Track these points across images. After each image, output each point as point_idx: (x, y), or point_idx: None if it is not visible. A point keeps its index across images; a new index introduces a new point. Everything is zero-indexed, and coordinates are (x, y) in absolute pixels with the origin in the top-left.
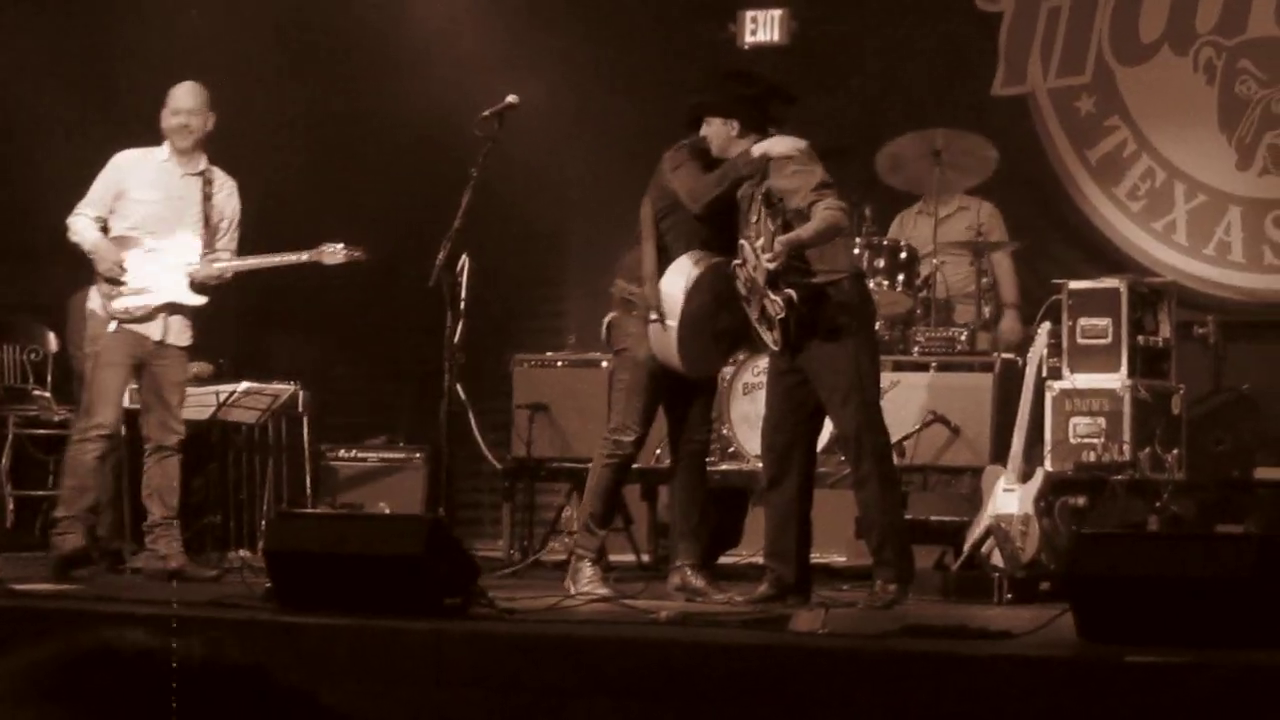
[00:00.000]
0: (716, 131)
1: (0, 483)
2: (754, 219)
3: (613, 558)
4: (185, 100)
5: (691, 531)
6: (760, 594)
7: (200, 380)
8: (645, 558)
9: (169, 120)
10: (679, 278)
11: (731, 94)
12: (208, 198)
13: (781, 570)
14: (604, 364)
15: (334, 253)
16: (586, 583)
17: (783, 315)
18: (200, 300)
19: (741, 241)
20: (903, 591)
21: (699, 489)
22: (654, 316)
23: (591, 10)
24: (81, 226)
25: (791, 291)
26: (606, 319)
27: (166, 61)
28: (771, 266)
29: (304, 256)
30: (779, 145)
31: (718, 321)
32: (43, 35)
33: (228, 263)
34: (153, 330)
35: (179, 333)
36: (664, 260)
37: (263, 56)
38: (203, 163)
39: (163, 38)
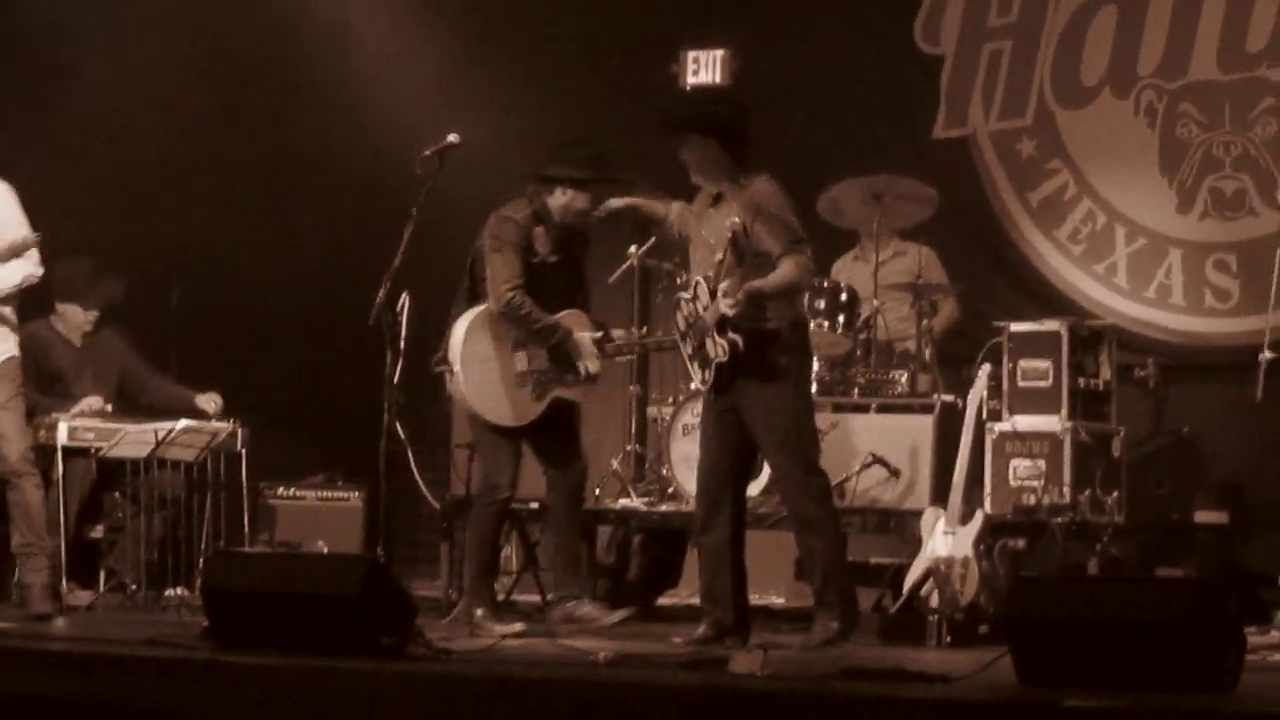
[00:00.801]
0: (694, 151)
1: None
2: (718, 256)
3: (519, 597)
4: None
5: (568, 564)
6: (699, 635)
7: (90, 413)
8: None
9: None
10: (460, 326)
11: (714, 113)
12: None
13: (718, 613)
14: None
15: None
16: (493, 626)
17: (723, 360)
18: None
19: (698, 278)
20: (844, 634)
21: (575, 525)
22: (444, 368)
23: (532, 50)
24: None
25: (738, 339)
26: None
27: (101, 88)
28: (730, 313)
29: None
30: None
31: (512, 366)
32: None
33: None
34: None
35: None
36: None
37: (200, 92)
38: None
39: (98, 69)
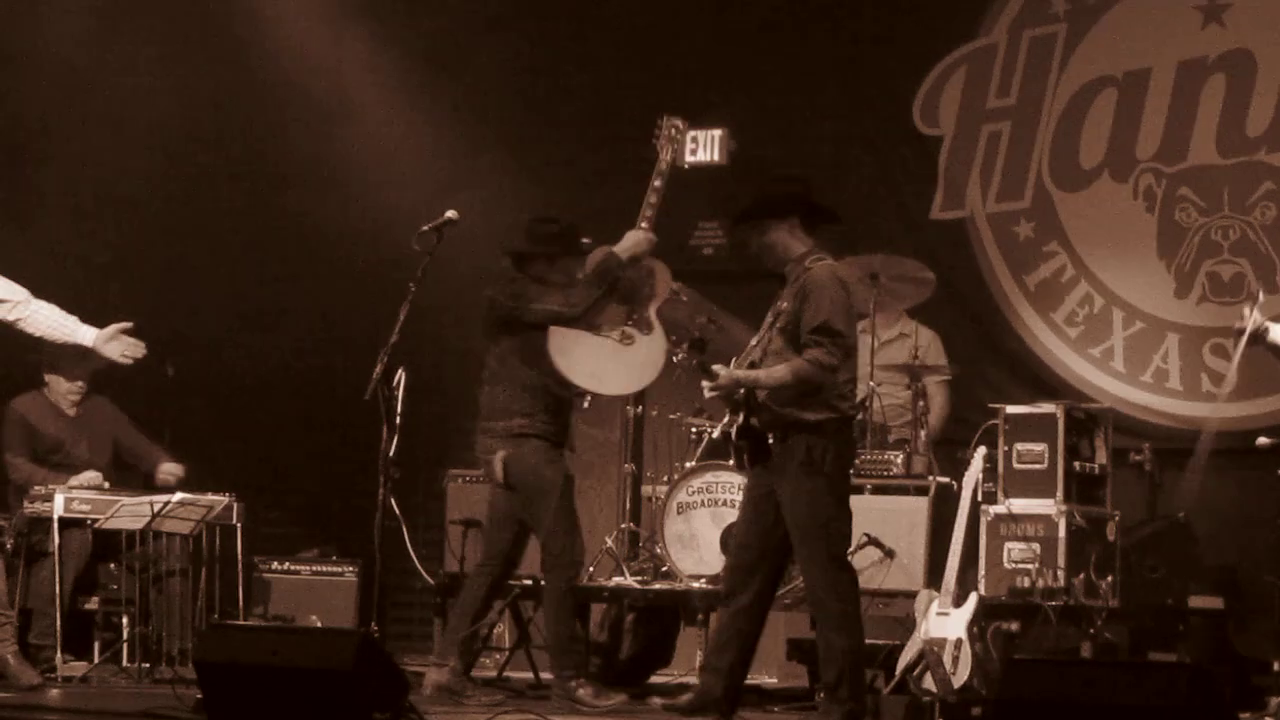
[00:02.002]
0: (773, 238)
1: None
2: (754, 339)
3: (511, 674)
4: None
5: (564, 645)
6: (682, 701)
7: (178, 481)
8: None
9: None
10: (560, 361)
11: (778, 194)
12: None
13: (709, 682)
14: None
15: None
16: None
17: (731, 435)
18: None
19: (736, 359)
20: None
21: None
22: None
23: (530, 128)
24: None
25: (751, 421)
26: (499, 457)
27: (92, 164)
28: (707, 395)
29: None
30: None
31: (608, 346)
32: None
33: None
34: None
35: None
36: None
37: (194, 166)
38: None
39: (87, 146)
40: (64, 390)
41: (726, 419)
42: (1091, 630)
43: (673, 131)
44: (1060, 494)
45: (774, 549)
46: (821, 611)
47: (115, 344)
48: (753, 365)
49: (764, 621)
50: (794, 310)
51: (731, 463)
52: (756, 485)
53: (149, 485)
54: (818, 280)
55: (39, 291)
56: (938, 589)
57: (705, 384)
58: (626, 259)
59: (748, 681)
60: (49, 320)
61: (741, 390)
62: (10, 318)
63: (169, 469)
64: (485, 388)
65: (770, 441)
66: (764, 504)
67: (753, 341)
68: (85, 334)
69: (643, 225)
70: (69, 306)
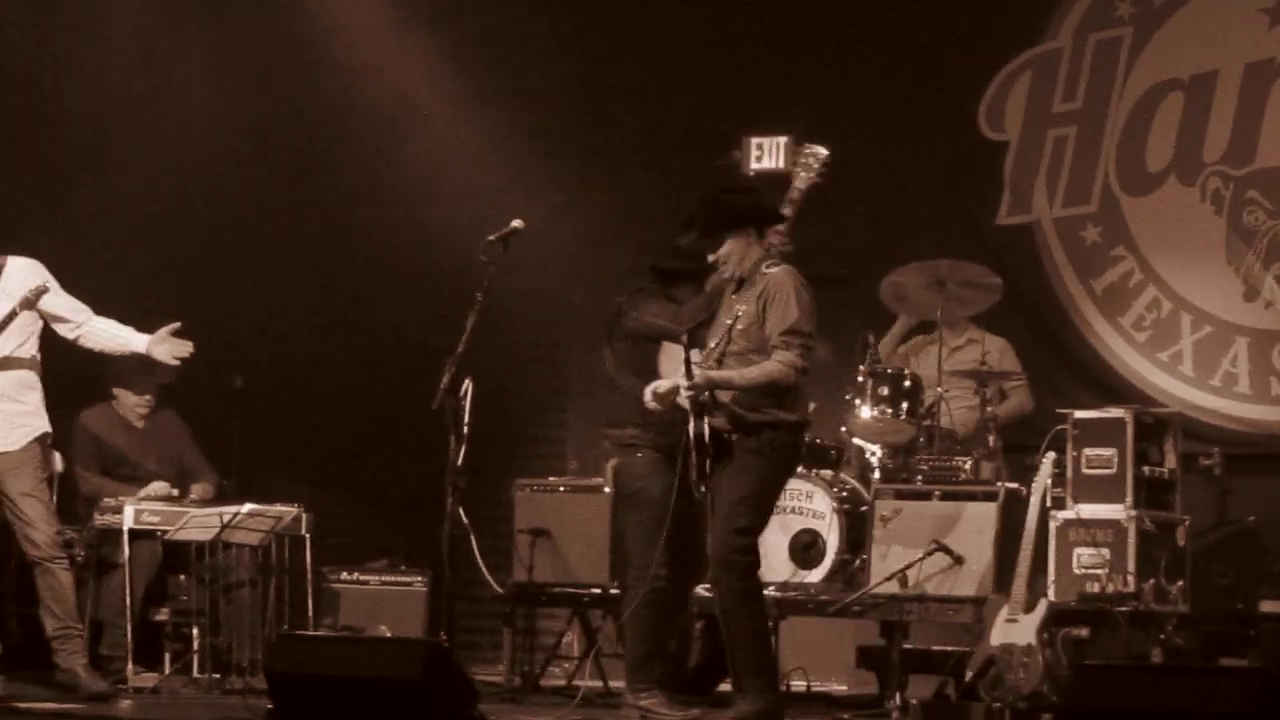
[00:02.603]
0: (732, 245)
1: (4, 601)
2: (713, 343)
3: (581, 683)
4: None
5: (641, 661)
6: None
7: (204, 502)
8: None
9: None
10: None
11: (740, 206)
12: None
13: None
14: (606, 490)
15: (27, 299)
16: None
17: (696, 447)
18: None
19: (695, 363)
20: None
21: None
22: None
23: (595, 137)
24: None
25: (707, 429)
26: (610, 465)
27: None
28: (684, 394)
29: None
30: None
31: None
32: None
33: None
34: None
35: None
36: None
37: (261, 179)
38: None
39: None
40: (132, 404)
41: (692, 423)
42: (1161, 636)
43: (811, 160)
44: (1129, 499)
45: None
46: (720, 593)
47: (165, 345)
48: (719, 366)
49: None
50: (755, 313)
51: (694, 474)
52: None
53: (219, 494)
54: (780, 283)
55: (103, 307)
56: (1007, 595)
57: (682, 383)
58: None
59: (816, 688)
60: (105, 333)
61: (706, 393)
62: (71, 336)
63: (199, 489)
64: (605, 394)
65: (732, 439)
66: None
67: (711, 344)
68: (139, 341)
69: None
70: (135, 321)
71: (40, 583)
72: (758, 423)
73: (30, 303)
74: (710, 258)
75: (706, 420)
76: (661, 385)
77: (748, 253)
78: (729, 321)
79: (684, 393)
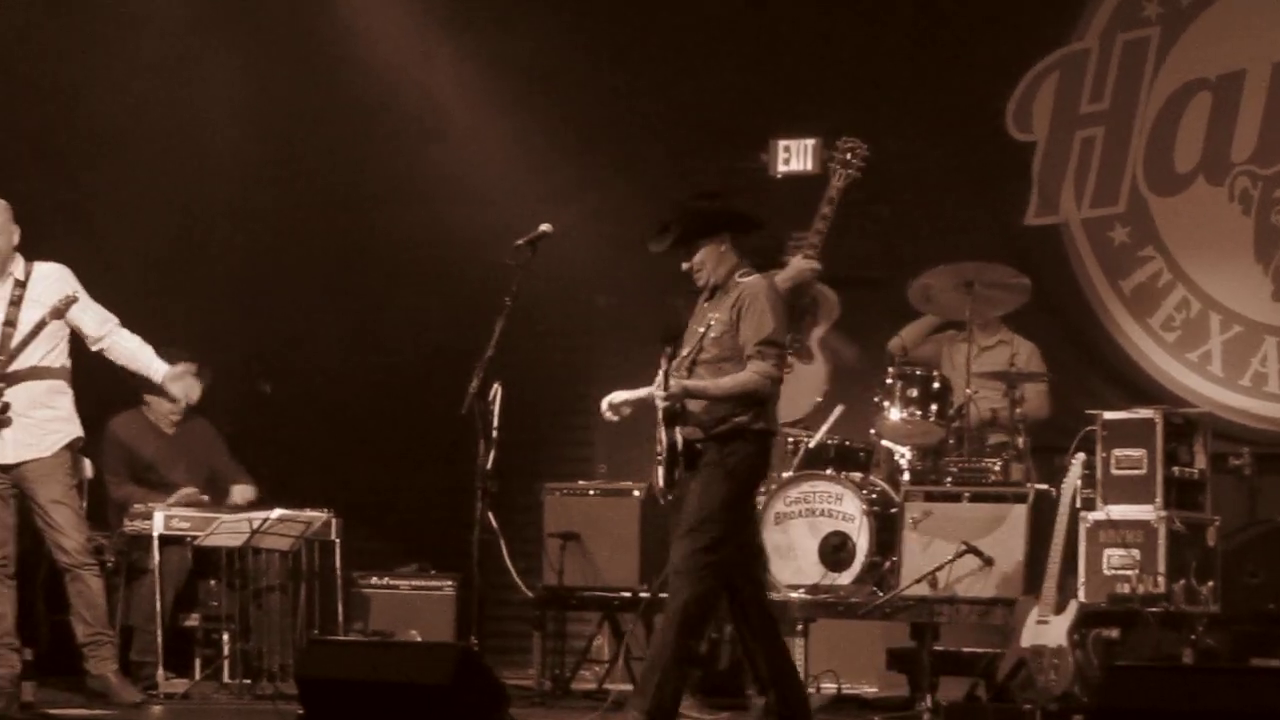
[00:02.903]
0: (706, 253)
1: (36, 607)
2: (685, 350)
3: (611, 686)
4: None
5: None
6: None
7: (246, 505)
8: None
9: None
10: None
11: (713, 213)
12: (15, 301)
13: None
14: (635, 493)
15: (57, 308)
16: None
17: (661, 455)
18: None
19: (665, 372)
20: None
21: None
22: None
23: (623, 139)
24: None
25: (680, 437)
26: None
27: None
28: (659, 404)
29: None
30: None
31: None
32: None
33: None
34: None
35: (21, 447)
36: None
37: (288, 184)
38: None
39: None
40: (164, 411)
41: (663, 431)
42: (1192, 636)
43: (849, 155)
44: (1159, 500)
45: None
46: (669, 604)
47: (180, 384)
48: (690, 374)
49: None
50: (728, 320)
51: (660, 482)
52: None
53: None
54: (754, 292)
55: (130, 313)
56: (1037, 596)
57: (657, 393)
58: (787, 287)
59: (847, 691)
60: (128, 352)
61: (679, 402)
62: (96, 347)
63: (240, 490)
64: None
65: (699, 448)
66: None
67: (683, 351)
68: (158, 370)
69: (808, 253)
70: (160, 330)
71: (71, 589)
72: (724, 433)
73: (60, 312)
74: (684, 266)
75: (678, 430)
76: (616, 396)
77: (722, 260)
78: (701, 329)
79: (660, 402)
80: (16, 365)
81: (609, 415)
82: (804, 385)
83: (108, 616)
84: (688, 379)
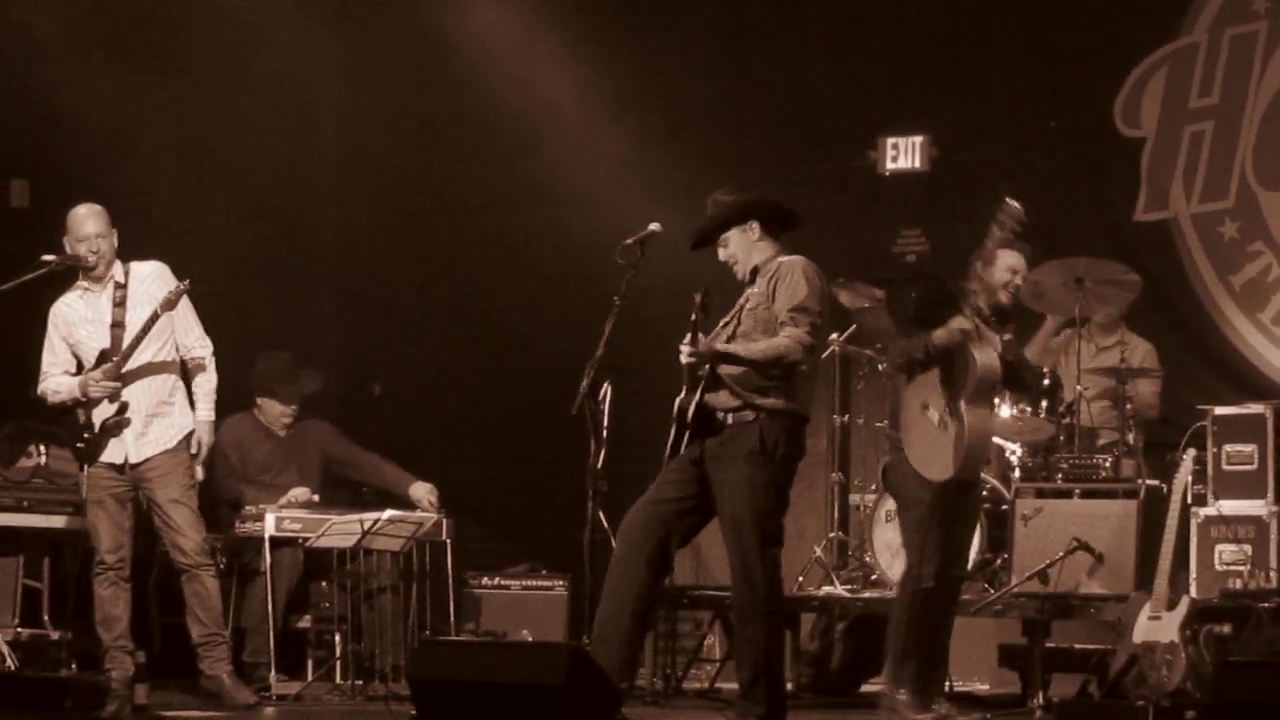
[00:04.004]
0: (736, 241)
1: (147, 609)
2: (725, 319)
3: (723, 685)
4: (93, 225)
5: (897, 657)
6: None
7: (296, 504)
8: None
9: (78, 248)
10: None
11: (732, 204)
12: (119, 302)
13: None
14: None
15: (168, 300)
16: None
17: (677, 420)
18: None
19: (695, 316)
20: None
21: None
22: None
23: (730, 138)
24: (54, 384)
25: (690, 406)
26: (882, 464)
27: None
28: (684, 359)
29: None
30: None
31: (930, 422)
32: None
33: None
34: (114, 456)
35: (143, 446)
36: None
37: (397, 186)
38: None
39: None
40: (277, 413)
41: (684, 394)
42: None
43: (1006, 219)
44: (1271, 495)
45: (683, 530)
46: (744, 604)
47: (200, 457)
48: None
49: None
50: (765, 292)
51: (669, 449)
52: (684, 470)
53: (359, 501)
54: (791, 265)
55: (249, 306)
56: (1149, 592)
57: (684, 348)
58: (943, 345)
59: (959, 688)
60: (197, 381)
61: (707, 366)
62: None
63: (425, 490)
64: (889, 397)
65: (725, 421)
66: (689, 487)
67: (720, 325)
68: (199, 415)
69: (966, 313)
70: (273, 330)
71: (187, 589)
72: (759, 414)
73: (171, 303)
74: (722, 256)
75: (703, 395)
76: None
77: (754, 248)
78: (740, 302)
79: (684, 358)
80: (130, 365)
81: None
82: (948, 446)
83: (222, 618)
84: (721, 343)
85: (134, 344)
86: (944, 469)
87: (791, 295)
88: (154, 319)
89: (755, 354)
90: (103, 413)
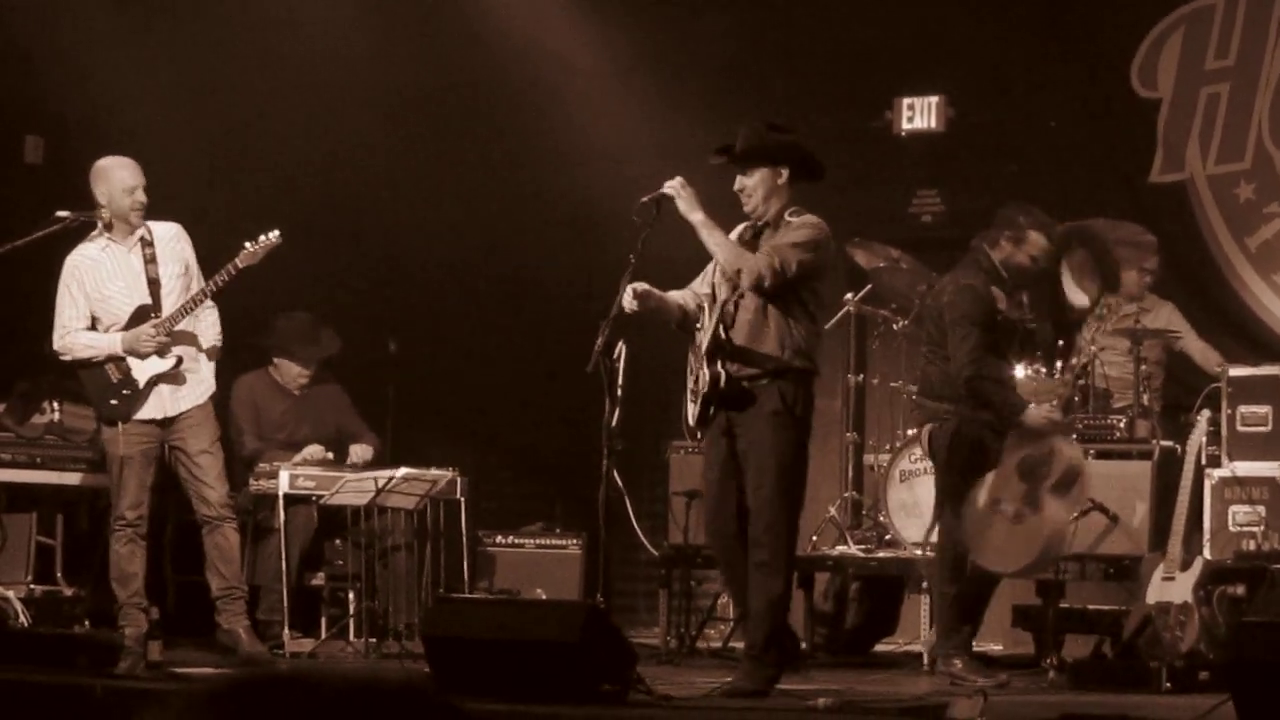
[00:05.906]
0: (762, 177)
1: (163, 566)
2: (724, 294)
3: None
4: (138, 176)
5: (945, 620)
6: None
7: (363, 465)
8: (803, 645)
9: (123, 200)
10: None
11: (778, 142)
12: (150, 260)
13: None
14: None
15: (252, 252)
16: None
17: (706, 391)
18: (170, 360)
19: (708, 305)
20: (772, 681)
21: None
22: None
23: (744, 99)
24: (87, 339)
25: (722, 371)
26: (925, 430)
27: (319, 139)
28: (668, 192)
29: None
30: None
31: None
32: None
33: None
34: (153, 412)
35: (180, 399)
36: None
37: (412, 147)
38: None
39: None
40: (294, 374)
41: (705, 366)
42: None
43: (1032, 249)
44: None
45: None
46: (761, 553)
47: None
48: (724, 311)
49: None
50: (767, 239)
51: (692, 419)
52: (719, 446)
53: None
54: (799, 221)
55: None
56: (1163, 553)
57: (669, 185)
58: (1030, 427)
59: (974, 649)
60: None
61: (710, 340)
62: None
63: (358, 450)
64: (922, 366)
65: (744, 386)
66: (729, 464)
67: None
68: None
69: (1052, 402)
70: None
71: (208, 542)
72: (775, 373)
73: (254, 254)
74: (736, 186)
75: (722, 364)
76: (640, 286)
77: (774, 192)
78: (743, 237)
79: (668, 191)
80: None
81: (629, 304)
82: (1028, 539)
83: (242, 570)
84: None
85: (195, 300)
86: (1017, 560)
87: (786, 236)
88: (232, 271)
89: (718, 248)
90: (147, 369)
